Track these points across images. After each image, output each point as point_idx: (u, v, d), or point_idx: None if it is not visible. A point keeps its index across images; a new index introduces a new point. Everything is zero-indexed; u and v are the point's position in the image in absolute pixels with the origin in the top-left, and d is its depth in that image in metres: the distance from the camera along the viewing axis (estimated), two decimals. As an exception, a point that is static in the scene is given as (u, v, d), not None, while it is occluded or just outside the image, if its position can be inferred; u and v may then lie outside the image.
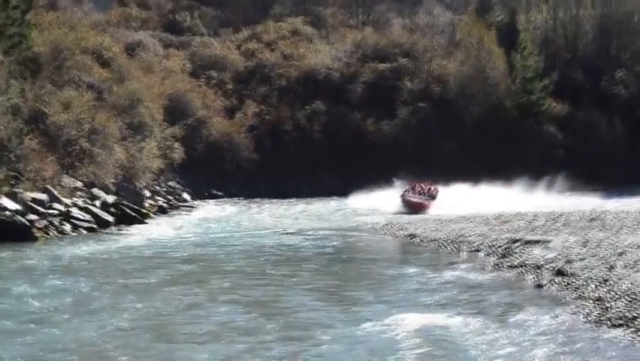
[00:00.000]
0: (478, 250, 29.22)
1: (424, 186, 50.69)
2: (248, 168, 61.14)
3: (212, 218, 44.23)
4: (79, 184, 40.51)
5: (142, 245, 31.85)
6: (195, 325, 17.67)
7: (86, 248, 30.35)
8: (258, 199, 56.64)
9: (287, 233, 36.73)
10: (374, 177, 55.77)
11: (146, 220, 40.45)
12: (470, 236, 32.32)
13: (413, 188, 50.38)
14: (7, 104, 35.75)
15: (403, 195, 48.88)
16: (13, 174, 34.92)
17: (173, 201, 51.82)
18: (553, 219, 36.09)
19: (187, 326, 17.59)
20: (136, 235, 35.13)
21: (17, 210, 32.67)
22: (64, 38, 46.43)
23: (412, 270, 25.20)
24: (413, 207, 46.95)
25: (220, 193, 59.08)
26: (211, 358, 15.11)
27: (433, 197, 49.28)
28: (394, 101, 66.32)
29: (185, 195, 54.76)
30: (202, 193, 57.56)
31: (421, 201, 48.15)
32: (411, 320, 17.57)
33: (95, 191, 41.24)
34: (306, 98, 67.35)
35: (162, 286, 22.55)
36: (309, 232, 36.96)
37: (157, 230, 36.99)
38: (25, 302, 19.66)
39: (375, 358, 15.08)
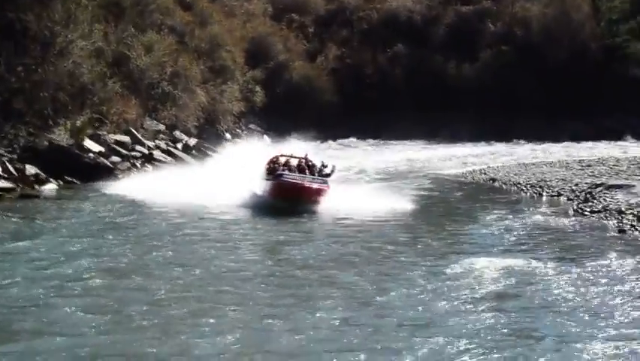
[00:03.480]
0: (559, 195, 28.97)
1: (295, 160, 28.80)
2: (329, 111, 60.98)
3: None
4: (161, 127, 41.00)
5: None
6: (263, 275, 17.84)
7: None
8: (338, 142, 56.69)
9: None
10: (458, 122, 55.73)
11: (227, 162, 40.71)
12: (552, 180, 32.03)
13: (276, 164, 28.59)
14: (90, 47, 36.12)
15: (273, 176, 27.32)
16: (96, 116, 35.38)
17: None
18: (637, 163, 35.54)
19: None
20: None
21: (101, 152, 33.15)
22: (146, -19, 46.64)
23: (492, 214, 25.08)
24: (295, 195, 26.09)
25: (300, 136, 59.15)
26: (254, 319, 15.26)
27: (325, 176, 27.90)
28: (477, 44, 65.39)
29: (266, 138, 54.98)
30: (283, 136, 57.71)
31: (310, 184, 26.64)
32: (492, 264, 17.49)
33: (177, 134, 41.74)
34: (388, 42, 66.82)
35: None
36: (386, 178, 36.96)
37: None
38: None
39: (459, 297, 15.02)
